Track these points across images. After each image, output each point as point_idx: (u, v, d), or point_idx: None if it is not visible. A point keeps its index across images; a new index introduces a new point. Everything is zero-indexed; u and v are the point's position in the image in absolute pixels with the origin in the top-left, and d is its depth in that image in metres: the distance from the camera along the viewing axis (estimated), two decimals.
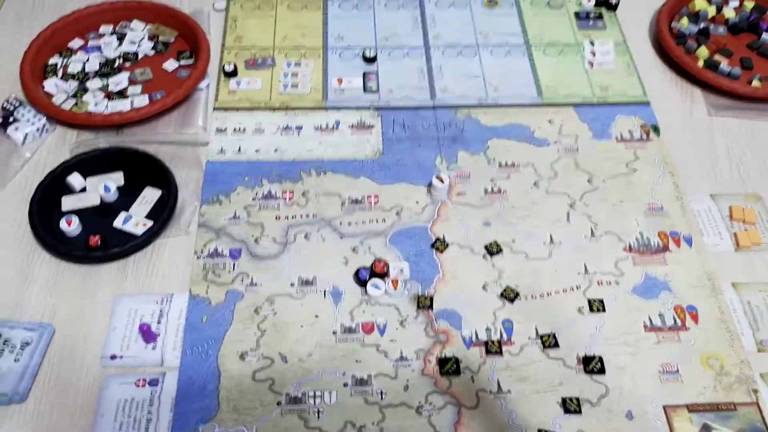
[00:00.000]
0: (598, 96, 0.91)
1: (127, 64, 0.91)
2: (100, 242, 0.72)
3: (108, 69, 0.90)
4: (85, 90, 0.87)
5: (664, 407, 0.64)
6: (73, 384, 0.64)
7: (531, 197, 0.80)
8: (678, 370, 0.67)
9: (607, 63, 0.95)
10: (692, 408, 0.64)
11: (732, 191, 0.81)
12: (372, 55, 0.94)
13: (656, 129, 0.87)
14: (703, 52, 0.93)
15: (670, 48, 0.94)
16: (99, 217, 0.76)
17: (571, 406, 0.64)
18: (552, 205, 0.79)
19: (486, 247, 0.75)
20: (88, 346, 0.66)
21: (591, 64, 0.95)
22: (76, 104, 0.86)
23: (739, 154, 0.85)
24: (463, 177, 0.82)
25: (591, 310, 0.70)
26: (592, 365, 0.66)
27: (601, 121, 0.88)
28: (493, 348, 0.67)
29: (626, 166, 0.83)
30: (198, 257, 0.73)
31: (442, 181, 0.78)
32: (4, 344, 0.65)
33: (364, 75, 0.93)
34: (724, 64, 0.92)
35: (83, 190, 0.78)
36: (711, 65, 0.92)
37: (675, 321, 0.70)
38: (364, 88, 0.91)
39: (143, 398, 0.63)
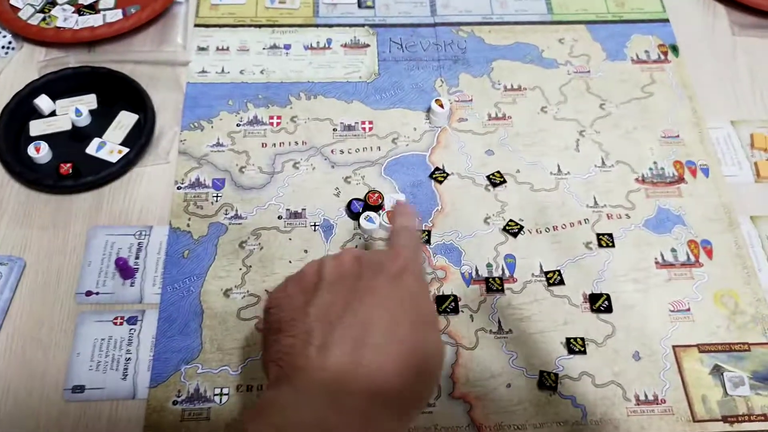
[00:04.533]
0: (613, 12, 0.84)
1: None
2: (72, 170, 0.67)
3: None
4: (54, 3, 0.80)
5: (674, 347, 0.61)
6: (47, 321, 0.60)
7: (538, 124, 0.74)
8: (689, 309, 0.63)
9: None
10: (703, 348, 0.61)
11: (754, 117, 0.76)
12: None
13: (675, 49, 0.80)
14: None
15: None
16: (70, 142, 0.70)
17: (575, 347, 0.60)
18: (560, 133, 0.74)
19: (488, 178, 0.70)
20: (61, 282, 0.62)
21: None
22: (44, 19, 0.78)
23: (763, 77, 0.79)
24: (464, 101, 0.76)
25: (599, 245, 0.66)
26: (599, 304, 0.62)
27: (615, 40, 0.81)
28: (494, 285, 0.63)
29: (642, 89, 0.77)
30: (178, 187, 0.68)
31: (442, 105, 0.73)
32: None
33: None
34: None
35: (53, 113, 0.72)
36: None
37: (688, 256, 0.66)
38: (359, 3, 0.84)
39: (121, 336, 0.60)
